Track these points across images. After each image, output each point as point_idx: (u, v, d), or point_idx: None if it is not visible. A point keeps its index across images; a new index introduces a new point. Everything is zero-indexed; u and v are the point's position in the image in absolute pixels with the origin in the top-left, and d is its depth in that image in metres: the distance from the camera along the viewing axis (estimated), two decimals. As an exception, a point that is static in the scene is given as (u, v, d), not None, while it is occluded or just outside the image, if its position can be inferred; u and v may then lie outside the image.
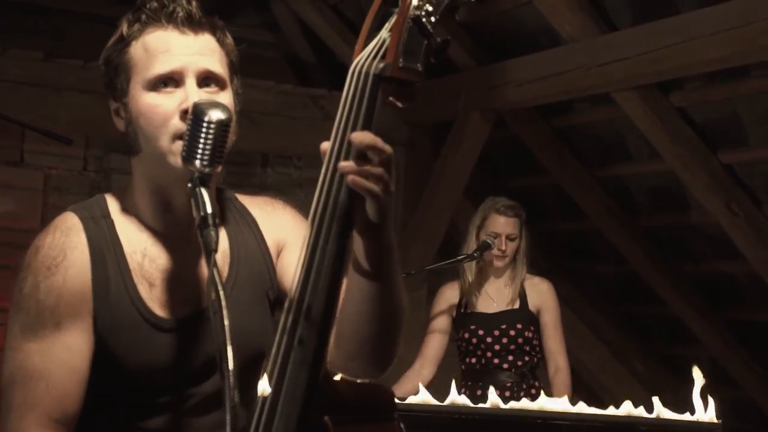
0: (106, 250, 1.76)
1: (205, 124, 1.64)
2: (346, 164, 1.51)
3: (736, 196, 4.92)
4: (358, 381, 1.67)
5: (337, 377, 1.73)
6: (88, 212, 1.79)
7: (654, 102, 4.82)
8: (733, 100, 4.73)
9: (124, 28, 1.75)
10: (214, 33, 1.78)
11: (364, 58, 1.57)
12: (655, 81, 4.71)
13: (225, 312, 1.54)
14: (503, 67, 5.38)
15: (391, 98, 1.56)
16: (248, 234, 1.84)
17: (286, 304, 1.59)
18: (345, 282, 1.61)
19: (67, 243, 1.74)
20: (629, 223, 5.73)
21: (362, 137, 1.51)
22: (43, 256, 1.73)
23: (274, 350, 1.57)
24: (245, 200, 1.89)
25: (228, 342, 1.53)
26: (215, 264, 1.57)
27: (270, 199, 1.95)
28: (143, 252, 1.77)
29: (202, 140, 1.63)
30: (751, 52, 4.17)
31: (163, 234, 1.79)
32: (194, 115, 1.65)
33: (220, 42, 1.79)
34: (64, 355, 1.71)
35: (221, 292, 1.55)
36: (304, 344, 1.55)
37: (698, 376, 3.70)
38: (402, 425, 1.63)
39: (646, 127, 4.92)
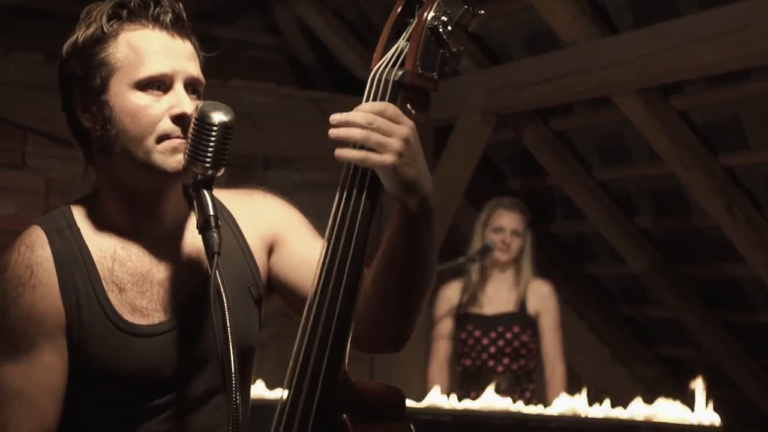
0: (72, 260, 1.73)
1: (209, 127, 1.64)
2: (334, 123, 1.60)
3: (736, 199, 4.93)
4: (373, 383, 1.70)
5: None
6: (53, 224, 1.76)
7: (655, 105, 4.82)
8: (733, 103, 4.74)
9: (102, 22, 1.73)
10: (191, 39, 1.77)
11: (383, 65, 1.63)
12: (656, 84, 4.72)
13: (227, 315, 1.55)
14: (504, 69, 5.39)
15: (408, 106, 1.61)
16: (225, 230, 1.79)
17: (307, 304, 1.61)
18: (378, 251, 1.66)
19: (32, 259, 1.71)
20: (629, 226, 5.73)
21: (365, 106, 1.59)
22: (9, 275, 1.71)
23: (295, 349, 1.60)
24: (220, 195, 1.82)
25: (231, 345, 1.54)
26: (218, 266, 1.58)
27: (248, 190, 1.91)
28: (113, 256, 1.75)
29: (206, 143, 1.64)
30: (752, 55, 4.17)
31: (133, 235, 1.77)
32: (199, 118, 1.65)
33: (197, 49, 1.79)
34: (41, 375, 1.69)
35: (224, 297, 1.56)
36: (325, 344, 1.58)
37: (700, 386, 3.71)
38: (412, 426, 1.67)
39: (646, 130, 4.93)
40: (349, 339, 1.61)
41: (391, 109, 1.59)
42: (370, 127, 1.57)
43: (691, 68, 4.43)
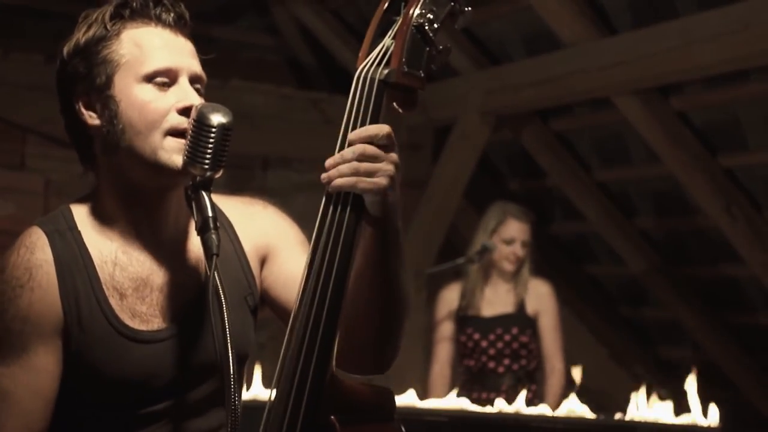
0: (73, 264, 1.72)
1: (207, 128, 1.64)
2: (330, 165, 1.57)
3: (736, 200, 4.93)
4: (362, 383, 1.69)
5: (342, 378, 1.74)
6: (53, 225, 1.74)
7: (654, 106, 4.82)
8: (733, 104, 4.74)
9: (105, 20, 1.73)
10: (191, 39, 1.78)
11: (369, 64, 1.62)
12: (655, 84, 4.72)
13: (226, 317, 1.55)
14: (503, 70, 5.39)
15: (394, 104, 1.61)
16: (223, 236, 1.76)
17: (294, 307, 1.60)
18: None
19: (32, 261, 1.70)
20: (629, 227, 5.73)
21: (357, 134, 1.57)
22: (7, 276, 1.70)
23: (283, 350, 1.59)
24: (220, 200, 1.78)
25: (229, 348, 1.54)
26: (216, 267, 1.58)
27: (248, 199, 1.90)
28: (114, 261, 1.74)
29: (205, 144, 1.63)
30: (751, 55, 4.18)
31: (134, 239, 1.75)
32: (198, 119, 1.65)
33: (197, 49, 1.79)
34: (31, 378, 1.69)
35: (223, 298, 1.56)
36: (312, 347, 1.57)
37: (693, 382, 3.71)
38: (402, 427, 1.66)
39: (646, 131, 4.93)
40: (336, 339, 1.60)
41: (383, 133, 1.58)
42: (361, 157, 1.56)
43: (691, 68, 4.44)
